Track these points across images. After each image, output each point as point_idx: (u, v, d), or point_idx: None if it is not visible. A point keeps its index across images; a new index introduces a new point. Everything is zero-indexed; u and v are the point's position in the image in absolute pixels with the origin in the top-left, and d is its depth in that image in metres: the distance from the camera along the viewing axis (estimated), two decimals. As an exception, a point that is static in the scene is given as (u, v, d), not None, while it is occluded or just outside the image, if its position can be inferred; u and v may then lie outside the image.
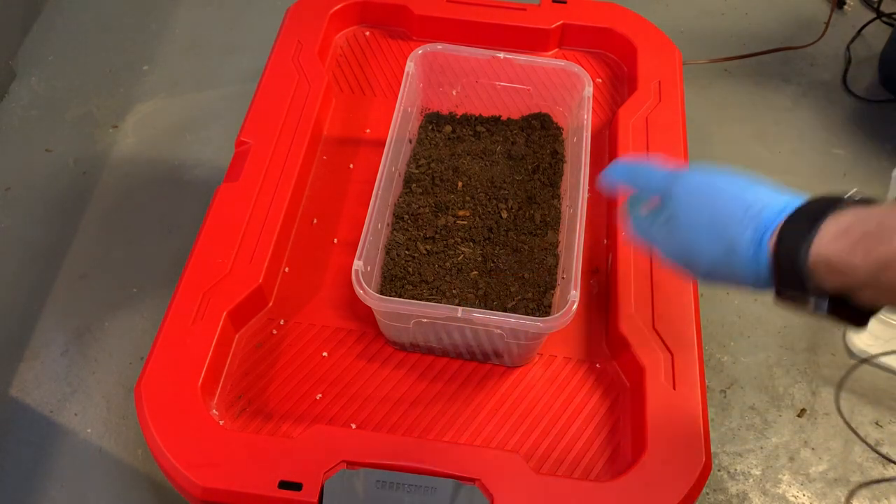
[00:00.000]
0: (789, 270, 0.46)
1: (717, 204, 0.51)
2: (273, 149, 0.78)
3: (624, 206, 0.60)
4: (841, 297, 0.46)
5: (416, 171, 0.80)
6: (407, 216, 0.76)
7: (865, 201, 0.46)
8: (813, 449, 0.94)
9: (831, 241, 0.44)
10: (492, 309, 0.70)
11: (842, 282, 0.44)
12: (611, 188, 0.60)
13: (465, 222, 0.77)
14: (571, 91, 0.82)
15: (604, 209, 0.80)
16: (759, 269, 0.48)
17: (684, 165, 0.54)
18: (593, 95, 0.79)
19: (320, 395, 0.67)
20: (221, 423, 0.63)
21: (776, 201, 0.49)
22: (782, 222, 0.47)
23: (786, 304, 0.49)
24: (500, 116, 0.87)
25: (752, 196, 0.50)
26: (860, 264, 0.43)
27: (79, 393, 0.95)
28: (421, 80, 0.83)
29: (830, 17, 1.40)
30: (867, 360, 1.00)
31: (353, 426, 0.65)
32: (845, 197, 0.46)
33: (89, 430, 0.93)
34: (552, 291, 0.72)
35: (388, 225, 0.76)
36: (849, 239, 0.43)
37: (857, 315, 0.46)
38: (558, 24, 0.92)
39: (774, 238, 0.47)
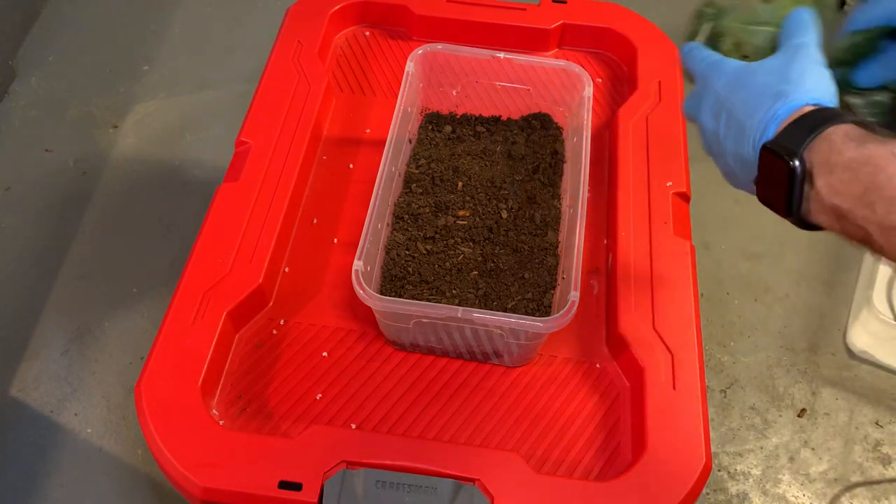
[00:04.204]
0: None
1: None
2: (273, 149, 0.78)
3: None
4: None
5: (416, 171, 0.80)
6: (407, 216, 0.76)
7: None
8: (813, 449, 0.94)
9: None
10: (492, 309, 0.70)
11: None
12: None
13: (465, 222, 0.77)
14: (571, 91, 0.82)
15: (604, 209, 0.80)
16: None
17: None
18: (593, 95, 0.79)
19: (320, 395, 0.67)
20: (221, 422, 0.63)
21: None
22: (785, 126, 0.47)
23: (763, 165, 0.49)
24: (500, 116, 0.86)
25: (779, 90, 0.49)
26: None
27: (79, 393, 0.95)
28: (421, 80, 0.83)
29: (830, 17, 1.40)
30: (867, 360, 1.00)
31: (353, 426, 0.65)
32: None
33: (89, 430, 0.93)
34: (552, 291, 0.72)
35: (388, 225, 0.76)
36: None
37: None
38: (558, 24, 0.92)
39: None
